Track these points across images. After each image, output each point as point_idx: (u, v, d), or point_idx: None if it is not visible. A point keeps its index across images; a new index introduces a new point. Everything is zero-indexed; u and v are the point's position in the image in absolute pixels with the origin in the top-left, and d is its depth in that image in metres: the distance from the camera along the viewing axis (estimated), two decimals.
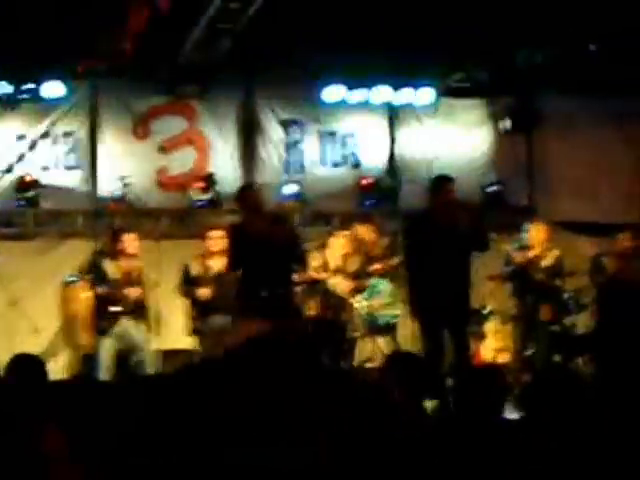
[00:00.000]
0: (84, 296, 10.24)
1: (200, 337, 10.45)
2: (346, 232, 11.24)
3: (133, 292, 10.08)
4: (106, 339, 9.89)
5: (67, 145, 12.10)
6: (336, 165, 12.99)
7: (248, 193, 9.48)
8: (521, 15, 11.02)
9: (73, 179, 12.08)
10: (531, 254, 10.71)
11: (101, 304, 10.03)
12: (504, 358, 11.56)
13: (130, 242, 10.16)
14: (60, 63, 11.40)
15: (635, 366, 9.29)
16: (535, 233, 10.77)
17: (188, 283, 10.52)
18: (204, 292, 10.38)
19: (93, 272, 10.11)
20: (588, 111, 13.27)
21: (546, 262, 10.68)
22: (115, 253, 10.18)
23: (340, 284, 10.80)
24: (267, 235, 8.84)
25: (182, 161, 12.43)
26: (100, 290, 10.02)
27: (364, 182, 12.92)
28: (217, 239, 10.48)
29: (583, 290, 11.35)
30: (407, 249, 9.48)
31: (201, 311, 10.50)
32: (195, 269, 10.52)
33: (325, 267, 10.85)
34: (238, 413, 2.99)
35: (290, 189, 12.52)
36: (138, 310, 10.14)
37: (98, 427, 3.78)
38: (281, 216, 9.70)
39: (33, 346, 9.74)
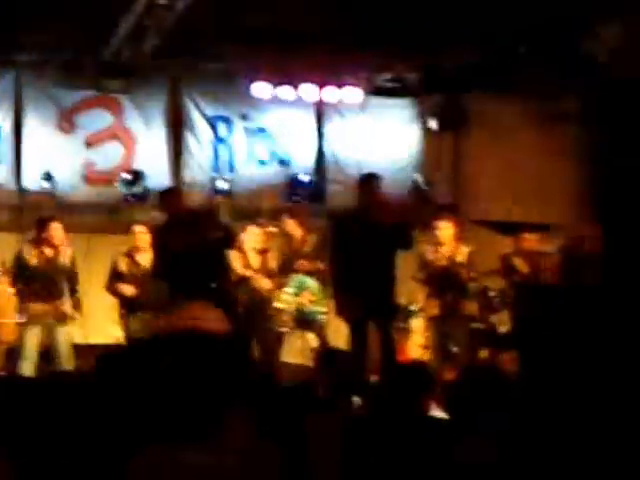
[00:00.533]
0: (6, 290, 10.07)
1: (125, 333, 10.41)
2: (274, 228, 11.22)
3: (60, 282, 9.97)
4: (29, 332, 9.75)
5: None
6: (264, 162, 12.99)
7: (170, 196, 9.56)
8: (449, 15, 11.13)
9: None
10: (443, 251, 10.77)
11: (24, 297, 9.90)
12: (431, 355, 11.65)
13: (55, 231, 10.01)
14: None
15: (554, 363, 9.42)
16: (444, 230, 10.83)
17: (115, 279, 10.46)
18: (128, 289, 10.31)
19: (16, 265, 9.97)
20: (514, 112, 13.41)
21: (459, 259, 10.76)
22: (40, 242, 10.01)
23: (260, 281, 10.77)
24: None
25: (109, 156, 12.35)
26: (22, 283, 9.88)
27: (292, 179, 12.94)
28: (141, 234, 10.46)
29: (507, 288, 11.51)
30: (333, 246, 9.49)
31: (127, 308, 10.45)
32: (122, 266, 10.45)
33: (247, 264, 10.80)
34: (153, 409, 2.97)
35: (219, 185, 12.50)
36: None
37: (20, 424, 3.74)
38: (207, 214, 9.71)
39: None
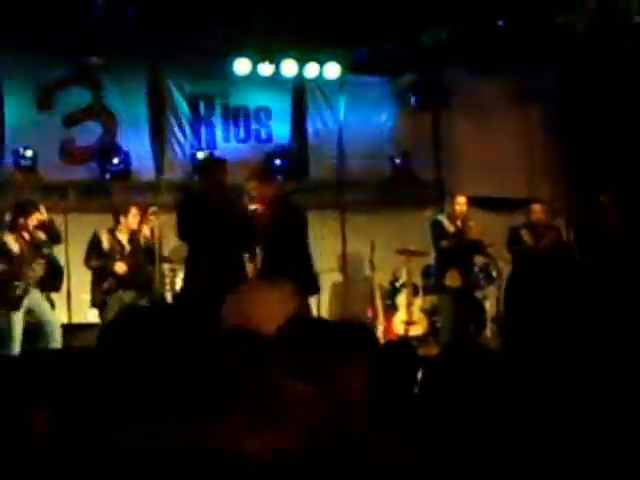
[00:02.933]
0: None
1: (104, 310, 10.27)
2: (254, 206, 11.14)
3: (38, 267, 9.80)
4: (15, 314, 9.61)
5: None
6: (245, 139, 12.93)
7: (215, 165, 9.35)
8: None
9: None
10: (458, 224, 10.84)
11: (4, 279, 9.74)
12: (416, 330, 11.69)
13: (36, 217, 9.85)
14: None
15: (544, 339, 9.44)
16: (462, 205, 10.89)
17: (97, 255, 10.33)
18: (121, 266, 10.22)
19: None
20: (494, 88, 13.44)
21: (469, 232, 10.83)
22: (18, 227, 9.86)
23: None
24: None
25: (88, 134, 12.23)
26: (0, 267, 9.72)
27: (271, 156, 12.88)
28: (135, 216, 10.43)
29: (490, 264, 11.57)
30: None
31: (112, 285, 10.31)
32: (107, 243, 10.35)
33: None
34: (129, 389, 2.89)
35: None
36: (46, 283, 9.89)
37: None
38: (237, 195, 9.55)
39: None
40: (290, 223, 9.31)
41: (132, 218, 10.46)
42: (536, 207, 11.13)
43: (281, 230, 9.22)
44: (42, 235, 9.86)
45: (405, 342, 6.82)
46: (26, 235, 9.76)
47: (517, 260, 10.64)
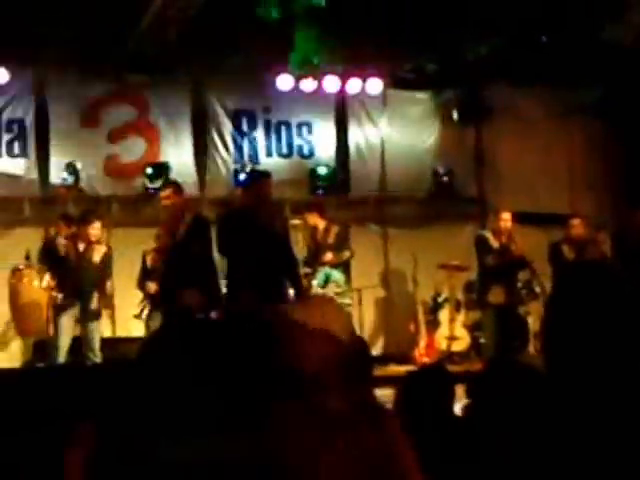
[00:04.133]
0: (36, 283, 10.03)
1: (148, 328, 10.39)
2: (297, 221, 11.19)
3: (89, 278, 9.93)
4: (62, 324, 9.70)
5: (13, 132, 11.89)
6: (288, 155, 12.96)
7: (261, 179, 9.23)
8: (470, 5, 11.07)
9: (21, 166, 11.87)
10: (503, 240, 10.80)
11: (57, 290, 9.87)
12: (458, 346, 11.65)
13: (93, 230, 10.01)
14: (7, 48, 11.15)
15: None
16: (507, 222, 10.85)
17: (144, 276, 10.46)
18: (151, 286, 10.31)
19: (46, 258, 9.92)
20: (536, 103, 13.39)
21: (513, 249, 10.78)
22: (75, 236, 9.99)
23: None
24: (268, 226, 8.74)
25: (132, 150, 12.30)
26: (53, 277, 9.84)
27: (314, 172, 12.91)
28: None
29: (533, 280, 11.51)
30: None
31: (150, 303, 10.44)
32: (149, 261, 10.46)
33: None
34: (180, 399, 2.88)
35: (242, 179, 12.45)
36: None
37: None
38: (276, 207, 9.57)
39: None
40: (194, 237, 9.19)
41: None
42: (575, 222, 11.06)
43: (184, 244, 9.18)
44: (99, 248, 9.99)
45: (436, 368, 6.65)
46: (81, 246, 9.89)
47: (558, 275, 10.59)
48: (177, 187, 9.75)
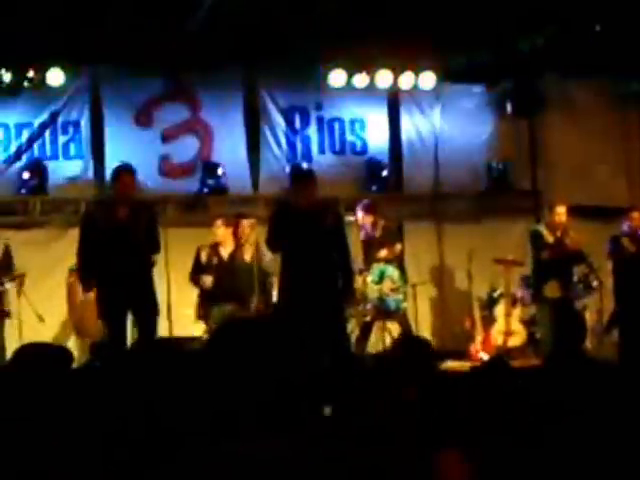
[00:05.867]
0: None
1: (206, 324, 10.51)
2: (351, 218, 11.17)
3: None
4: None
5: (69, 133, 12.03)
6: (340, 151, 12.95)
7: (301, 178, 9.13)
8: None
9: (77, 168, 12.01)
10: (558, 234, 10.70)
11: None
12: (514, 341, 11.57)
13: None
14: (62, 50, 11.27)
15: None
16: (562, 216, 10.74)
17: (197, 270, 10.60)
18: (206, 280, 10.46)
19: None
20: (591, 93, 13.25)
21: (569, 243, 10.67)
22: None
23: None
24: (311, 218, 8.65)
25: (186, 149, 12.36)
26: None
27: (368, 168, 12.88)
28: (218, 228, 10.64)
29: (590, 274, 11.38)
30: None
31: (206, 299, 10.58)
32: (205, 257, 10.59)
33: None
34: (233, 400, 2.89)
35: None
36: None
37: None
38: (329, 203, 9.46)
39: (39, 335, 9.64)
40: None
41: (216, 230, 10.67)
42: (636, 215, 10.92)
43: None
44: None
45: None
46: None
47: (620, 269, 10.52)
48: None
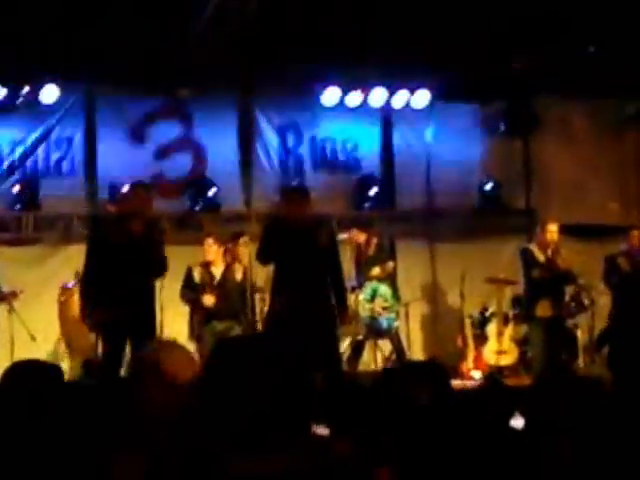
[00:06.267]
0: None
1: (199, 343, 10.46)
2: (343, 235, 11.17)
3: None
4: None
5: (62, 150, 12.02)
6: (333, 169, 12.95)
7: (293, 196, 9.09)
8: (517, 17, 11.01)
9: (69, 184, 12.01)
10: (549, 253, 10.69)
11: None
12: (506, 360, 11.58)
13: None
14: (55, 66, 11.28)
15: None
16: (553, 234, 10.73)
17: (190, 289, 10.56)
18: (209, 299, 10.45)
19: None
20: (585, 114, 13.29)
21: (560, 262, 10.66)
22: None
23: None
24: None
25: (179, 166, 12.34)
26: None
27: (360, 186, 12.90)
28: (210, 246, 10.62)
29: (582, 292, 11.40)
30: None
31: (203, 317, 10.55)
32: (198, 275, 10.57)
33: None
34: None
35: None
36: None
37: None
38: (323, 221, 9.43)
39: (31, 353, 9.59)
40: None
41: (208, 248, 10.69)
42: (636, 233, 10.90)
43: None
44: None
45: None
46: None
47: (618, 289, 10.52)
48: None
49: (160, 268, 8.83)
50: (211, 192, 12.21)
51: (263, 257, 8.88)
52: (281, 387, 2.87)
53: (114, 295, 8.32)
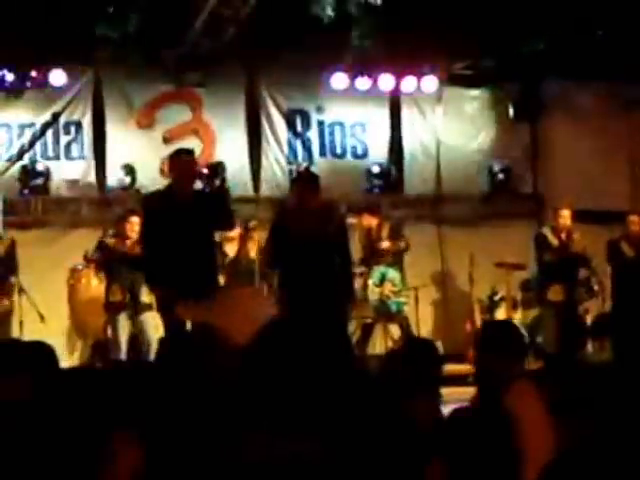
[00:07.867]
0: (93, 282, 10.15)
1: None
2: (352, 220, 11.16)
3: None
4: (120, 322, 9.79)
5: (71, 134, 12.04)
6: (341, 154, 12.94)
7: (304, 182, 9.01)
8: (525, 1, 10.99)
9: (78, 168, 12.03)
10: (563, 237, 10.69)
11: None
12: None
13: (135, 225, 9.93)
14: (64, 50, 11.27)
15: None
16: (566, 219, 10.73)
17: None
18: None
19: (99, 252, 10.06)
20: (593, 98, 13.24)
21: (576, 248, 10.67)
22: (121, 235, 10.13)
23: None
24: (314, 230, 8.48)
25: None
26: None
27: (368, 171, 12.89)
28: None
29: (592, 277, 11.38)
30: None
31: None
32: None
33: None
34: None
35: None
36: None
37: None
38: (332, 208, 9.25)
39: (41, 335, 9.62)
40: None
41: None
42: (634, 219, 10.91)
43: None
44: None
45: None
46: (128, 242, 9.99)
47: (618, 273, 10.50)
48: None
49: (224, 225, 8.69)
50: (218, 175, 12.18)
51: (270, 265, 8.97)
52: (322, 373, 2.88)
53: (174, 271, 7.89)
